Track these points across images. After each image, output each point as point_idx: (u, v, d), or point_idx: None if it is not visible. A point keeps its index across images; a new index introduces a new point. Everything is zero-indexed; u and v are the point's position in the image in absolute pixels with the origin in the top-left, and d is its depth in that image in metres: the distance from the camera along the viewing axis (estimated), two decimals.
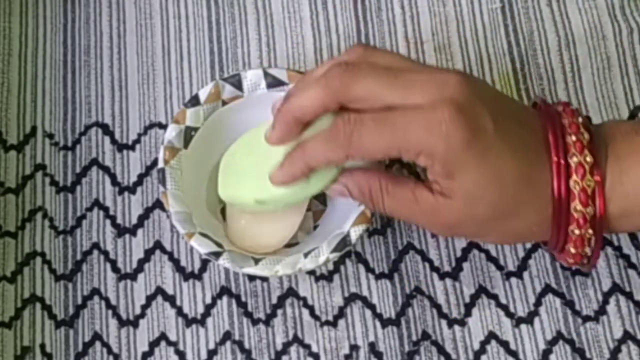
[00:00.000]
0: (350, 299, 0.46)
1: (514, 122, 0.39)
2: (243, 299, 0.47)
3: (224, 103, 0.47)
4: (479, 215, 0.39)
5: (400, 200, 0.40)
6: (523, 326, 0.46)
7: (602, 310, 0.46)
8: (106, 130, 0.50)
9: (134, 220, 0.48)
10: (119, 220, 0.48)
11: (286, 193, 0.43)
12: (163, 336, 0.46)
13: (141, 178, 0.49)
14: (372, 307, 0.46)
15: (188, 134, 0.46)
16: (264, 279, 0.47)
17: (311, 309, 0.46)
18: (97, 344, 0.46)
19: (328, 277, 0.47)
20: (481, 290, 0.46)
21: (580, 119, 0.40)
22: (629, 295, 0.46)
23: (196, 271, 0.47)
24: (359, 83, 0.39)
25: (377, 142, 0.38)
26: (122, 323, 0.46)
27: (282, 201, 0.44)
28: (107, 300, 0.47)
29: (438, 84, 0.38)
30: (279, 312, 0.46)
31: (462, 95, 0.37)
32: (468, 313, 0.46)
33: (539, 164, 0.39)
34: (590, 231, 0.39)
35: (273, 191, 0.43)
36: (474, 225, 0.40)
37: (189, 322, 0.46)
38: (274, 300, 0.47)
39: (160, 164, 0.45)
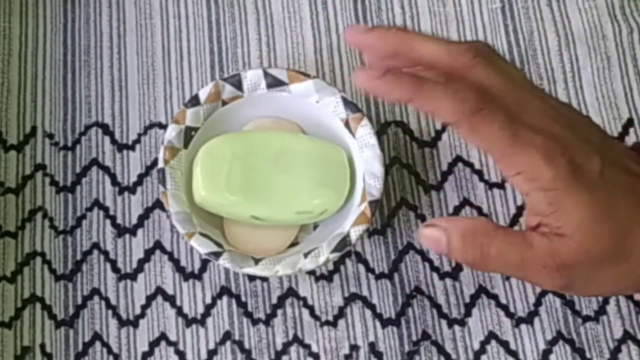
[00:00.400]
0: (350, 299, 0.47)
1: (620, 167, 0.38)
2: (243, 299, 0.47)
3: (224, 103, 0.47)
4: (596, 251, 0.36)
5: (511, 245, 0.37)
6: (523, 326, 0.46)
7: (602, 310, 0.46)
8: (106, 130, 0.50)
9: (134, 220, 0.48)
10: (119, 220, 0.48)
11: (287, 219, 0.44)
12: (163, 336, 0.46)
13: (141, 178, 0.49)
14: (372, 307, 0.46)
15: (188, 134, 0.46)
16: (264, 279, 0.47)
17: (311, 309, 0.46)
18: (97, 344, 0.46)
19: (328, 277, 0.47)
20: (481, 290, 0.47)
21: None
22: (629, 295, 0.46)
23: (196, 271, 0.47)
24: (490, 67, 0.37)
25: (494, 137, 0.36)
26: (122, 323, 0.46)
27: (279, 222, 0.45)
28: (107, 300, 0.47)
29: (552, 118, 0.37)
30: (279, 312, 0.46)
31: (575, 137, 0.37)
32: (468, 313, 0.46)
33: None
34: None
35: (273, 214, 0.44)
36: (590, 266, 0.37)
37: (189, 322, 0.46)
38: (274, 300, 0.47)
39: (160, 164, 0.45)
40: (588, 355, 0.45)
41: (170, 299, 0.47)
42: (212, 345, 0.46)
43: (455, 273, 0.47)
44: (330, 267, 0.47)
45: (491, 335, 0.46)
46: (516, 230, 0.38)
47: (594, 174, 0.36)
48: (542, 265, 0.37)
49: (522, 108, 0.37)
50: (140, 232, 0.48)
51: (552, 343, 0.45)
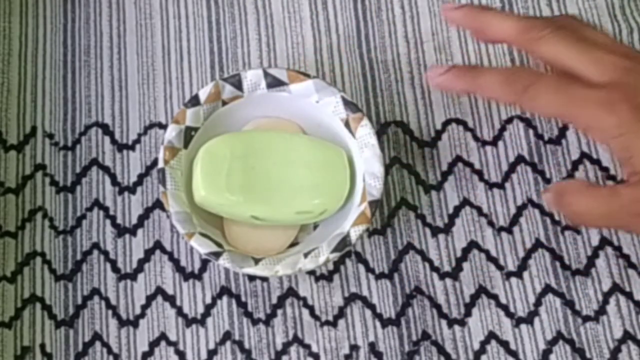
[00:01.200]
0: (350, 299, 0.47)
1: None
2: (243, 299, 0.47)
3: (224, 103, 0.47)
4: None
5: (598, 199, 0.40)
6: (523, 326, 0.46)
7: (602, 310, 0.46)
8: (106, 130, 0.50)
9: (134, 220, 0.48)
10: (119, 220, 0.48)
11: (287, 219, 0.44)
12: (163, 336, 0.46)
13: (141, 178, 0.49)
14: (372, 307, 0.46)
15: (188, 134, 0.46)
16: (264, 279, 0.47)
17: (311, 309, 0.46)
18: (97, 344, 0.46)
19: (328, 277, 0.47)
20: (481, 290, 0.47)
21: None
22: (629, 295, 0.46)
23: (196, 271, 0.47)
24: (551, 45, 0.40)
25: (551, 104, 0.39)
26: (122, 323, 0.46)
27: (279, 222, 0.45)
28: (107, 300, 0.47)
29: (623, 69, 0.39)
30: (279, 312, 0.46)
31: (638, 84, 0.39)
32: (468, 313, 0.46)
33: None
34: None
35: (273, 214, 0.44)
36: None
37: (189, 322, 0.46)
38: (274, 300, 0.47)
39: (160, 164, 0.45)
40: (588, 355, 0.45)
41: (170, 299, 0.47)
42: (212, 345, 0.46)
43: (455, 273, 0.47)
44: (330, 267, 0.47)
45: (491, 335, 0.46)
46: (609, 185, 0.42)
47: None
48: (628, 214, 0.39)
49: (586, 67, 0.40)
50: (140, 232, 0.48)
51: (552, 343, 0.45)
